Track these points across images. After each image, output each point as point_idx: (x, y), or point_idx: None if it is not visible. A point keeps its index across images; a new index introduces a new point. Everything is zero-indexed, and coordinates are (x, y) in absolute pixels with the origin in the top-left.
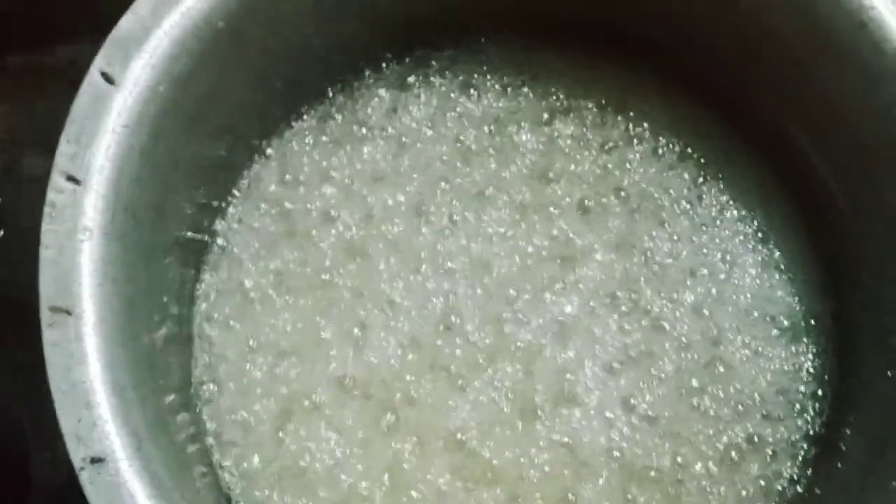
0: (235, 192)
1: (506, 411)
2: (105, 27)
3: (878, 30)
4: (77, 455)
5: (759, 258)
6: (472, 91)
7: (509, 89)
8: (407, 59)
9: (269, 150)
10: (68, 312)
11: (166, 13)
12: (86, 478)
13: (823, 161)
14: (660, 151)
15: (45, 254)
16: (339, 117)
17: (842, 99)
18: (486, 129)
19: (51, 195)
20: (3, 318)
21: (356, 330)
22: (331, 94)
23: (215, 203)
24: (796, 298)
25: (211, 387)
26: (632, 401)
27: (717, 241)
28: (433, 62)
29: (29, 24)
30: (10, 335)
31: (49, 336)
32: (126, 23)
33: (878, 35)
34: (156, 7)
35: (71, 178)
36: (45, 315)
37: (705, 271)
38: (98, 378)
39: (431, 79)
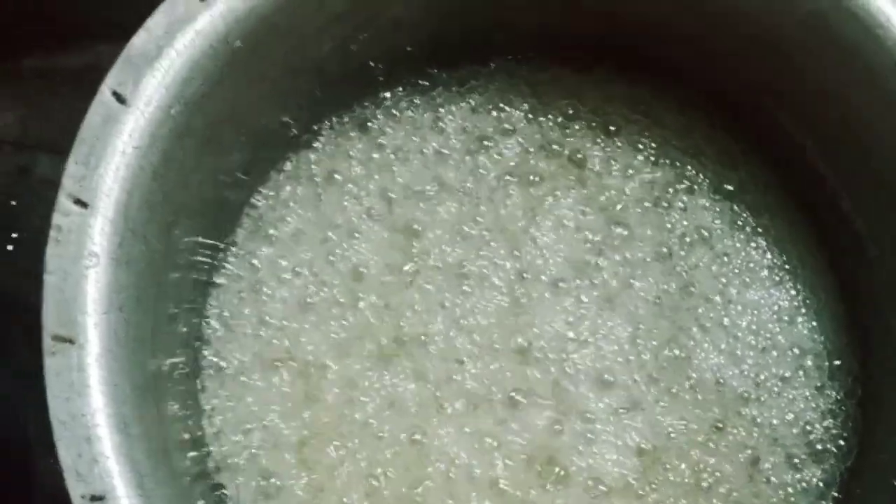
0: (249, 212)
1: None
2: (121, 31)
3: None
4: (76, 491)
5: (784, 293)
6: (492, 112)
7: (532, 109)
8: (427, 79)
9: (285, 167)
10: (71, 342)
11: (180, 32)
12: None
13: (850, 199)
14: (685, 178)
15: (49, 280)
16: (356, 136)
17: (872, 136)
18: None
19: (56, 218)
20: (10, 322)
21: (384, 340)
22: (352, 111)
23: (228, 222)
24: (821, 338)
25: (219, 415)
26: (642, 444)
27: (736, 271)
28: (454, 84)
29: (45, 27)
30: (18, 339)
31: (51, 365)
32: (139, 41)
33: None
34: (170, 25)
35: (78, 202)
36: (47, 343)
37: (726, 302)
38: (100, 411)
39: (449, 100)
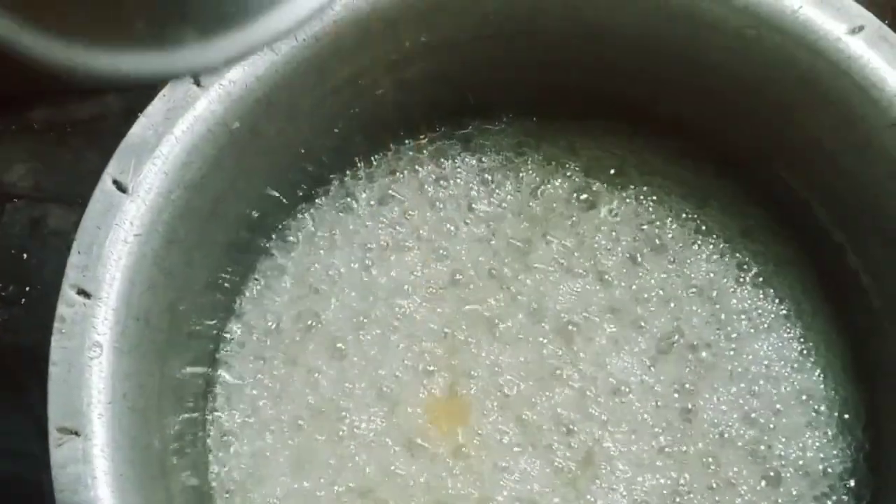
0: (253, 280)
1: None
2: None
3: None
4: None
5: (792, 341)
6: (500, 170)
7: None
8: (429, 139)
9: (286, 234)
10: (76, 433)
11: (179, 118)
12: None
13: (855, 254)
14: (690, 227)
15: (54, 371)
16: (357, 198)
17: (875, 194)
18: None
19: (61, 309)
20: (27, 374)
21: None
22: (354, 174)
23: (232, 292)
24: (832, 384)
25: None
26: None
27: (742, 320)
28: (456, 140)
29: (54, 80)
30: (34, 392)
31: (56, 457)
32: (138, 128)
33: None
34: (168, 112)
35: (82, 292)
36: (53, 436)
37: (732, 351)
38: (107, 502)
39: (454, 156)
